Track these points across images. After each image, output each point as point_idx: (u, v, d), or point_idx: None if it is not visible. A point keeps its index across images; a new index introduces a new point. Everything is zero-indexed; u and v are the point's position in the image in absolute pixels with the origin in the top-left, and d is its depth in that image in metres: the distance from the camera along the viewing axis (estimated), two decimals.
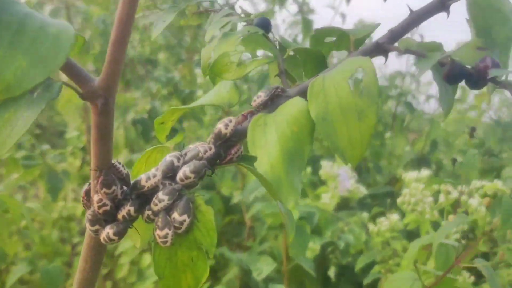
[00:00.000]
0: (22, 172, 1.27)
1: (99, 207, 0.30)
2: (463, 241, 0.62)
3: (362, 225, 1.34)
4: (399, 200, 0.95)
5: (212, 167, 0.33)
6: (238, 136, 0.33)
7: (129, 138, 1.70)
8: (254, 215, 1.56)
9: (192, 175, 0.30)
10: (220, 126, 0.32)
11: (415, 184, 0.96)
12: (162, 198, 0.30)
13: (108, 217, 0.31)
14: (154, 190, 0.31)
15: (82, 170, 2.00)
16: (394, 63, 1.72)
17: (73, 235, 1.67)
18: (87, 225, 0.31)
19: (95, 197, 0.31)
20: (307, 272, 1.32)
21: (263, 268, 1.03)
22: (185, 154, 0.32)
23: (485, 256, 0.71)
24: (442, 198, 0.88)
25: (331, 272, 1.17)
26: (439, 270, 0.65)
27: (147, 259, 1.36)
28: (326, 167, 1.29)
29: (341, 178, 1.30)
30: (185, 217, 0.30)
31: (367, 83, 0.28)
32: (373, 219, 1.25)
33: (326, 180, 1.31)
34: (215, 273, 1.49)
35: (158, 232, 0.30)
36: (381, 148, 1.54)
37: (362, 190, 1.30)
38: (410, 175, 0.97)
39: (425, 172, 1.00)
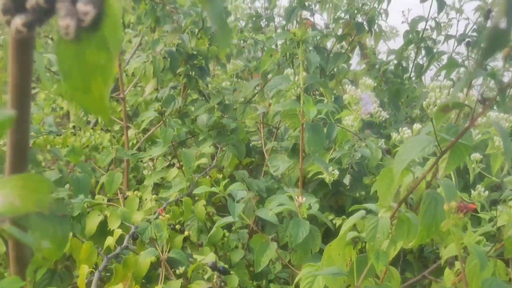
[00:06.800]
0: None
1: None
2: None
3: (380, 147, 1.41)
4: (424, 103, 1.01)
5: None
6: None
7: (157, 69, 1.76)
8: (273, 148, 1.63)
9: None
10: None
11: (438, 90, 1.02)
12: None
13: (17, 5, 0.29)
14: None
15: None
16: (418, 8, 1.77)
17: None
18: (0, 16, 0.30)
19: None
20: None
21: (279, 165, 1.10)
22: None
23: None
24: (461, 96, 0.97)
25: (346, 180, 1.24)
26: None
27: (173, 172, 1.45)
28: (350, 91, 1.36)
29: (363, 102, 1.37)
30: (90, 7, 0.26)
31: None
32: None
33: (349, 104, 1.37)
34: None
35: (60, 21, 0.27)
36: (400, 86, 1.60)
37: (384, 115, 1.37)
38: (434, 83, 1.03)
39: (448, 82, 1.06)
